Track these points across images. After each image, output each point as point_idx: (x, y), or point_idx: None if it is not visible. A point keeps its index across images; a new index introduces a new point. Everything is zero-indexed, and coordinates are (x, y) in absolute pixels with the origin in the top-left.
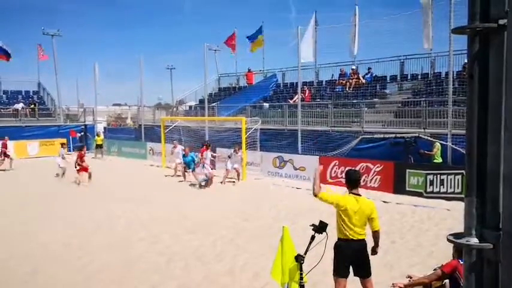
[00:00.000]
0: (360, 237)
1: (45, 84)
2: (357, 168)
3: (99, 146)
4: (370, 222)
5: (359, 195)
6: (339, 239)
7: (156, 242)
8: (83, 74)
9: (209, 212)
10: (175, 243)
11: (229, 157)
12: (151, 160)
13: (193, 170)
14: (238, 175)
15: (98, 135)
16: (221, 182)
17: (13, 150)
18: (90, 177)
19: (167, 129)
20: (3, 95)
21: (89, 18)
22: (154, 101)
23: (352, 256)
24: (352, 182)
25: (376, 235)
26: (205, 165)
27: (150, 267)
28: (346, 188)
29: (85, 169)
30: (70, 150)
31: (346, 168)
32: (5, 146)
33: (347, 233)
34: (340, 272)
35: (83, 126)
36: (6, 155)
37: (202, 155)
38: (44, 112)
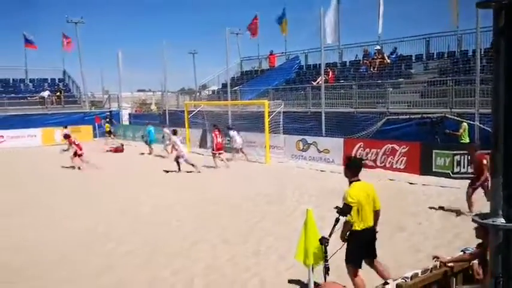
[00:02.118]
0: (372, 223)
1: (70, 71)
2: (383, 150)
3: (108, 133)
4: (374, 203)
5: (359, 180)
6: (354, 231)
7: (180, 225)
8: (107, 61)
9: (233, 195)
10: (200, 227)
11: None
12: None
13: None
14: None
15: (107, 122)
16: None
17: (40, 137)
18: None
19: (191, 114)
20: (30, 83)
21: (112, 4)
22: (177, 87)
23: (367, 244)
24: (358, 169)
25: (378, 214)
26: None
27: (175, 251)
28: (346, 176)
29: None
30: (96, 137)
31: (352, 155)
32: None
33: (362, 224)
34: (357, 262)
35: (108, 113)
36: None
37: (216, 138)
38: (70, 99)
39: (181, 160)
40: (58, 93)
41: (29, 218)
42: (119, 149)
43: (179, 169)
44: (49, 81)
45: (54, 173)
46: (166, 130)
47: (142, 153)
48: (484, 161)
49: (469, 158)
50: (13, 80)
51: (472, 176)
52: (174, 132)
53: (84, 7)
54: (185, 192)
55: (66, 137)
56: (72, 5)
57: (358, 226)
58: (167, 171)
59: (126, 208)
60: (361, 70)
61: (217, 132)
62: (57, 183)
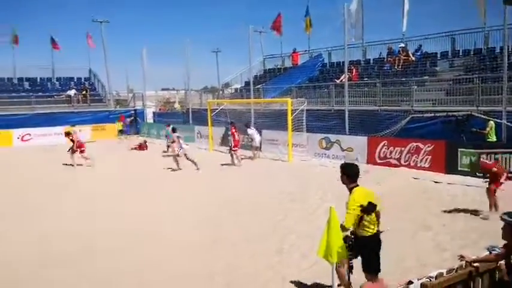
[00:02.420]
0: (378, 227)
1: (95, 70)
2: (407, 148)
3: (120, 132)
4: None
5: (358, 185)
6: (364, 237)
7: (201, 222)
8: (131, 60)
9: (255, 193)
10: (222, 224)
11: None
12: (199, 143)
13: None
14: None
15: (119, 121)
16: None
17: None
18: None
19: (214, 113)
20: (57, 82)
21: (136, 4)
22: (201, 85)
23: (379, 248)
24: (356, 176)
25: (379, 216)
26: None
27: (198, 248)
28: (344, 183)
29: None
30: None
31: (343, 162)
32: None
33: (370, 229)
34: (376, 268)
35: (132, 111)
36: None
37: (234, 136)
38: (95, 98)
39: (181, 156)
40: (84, 92)
41: (81, 209)
42: (142, 146)
43: (178, 166)
44: (75, 80)
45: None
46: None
47: (165, 151)
48: (494, 169)
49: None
50: (40, 79)
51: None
52: (174, 130)
53: (109, 7)
54: (206, 190)
55: (67, 134)
56: (98, 5)
57: (366, 232)
58: (173, 169)
59: (146, 206)
60: (385, 68)
61: (234, 130)
62: (97, 176)
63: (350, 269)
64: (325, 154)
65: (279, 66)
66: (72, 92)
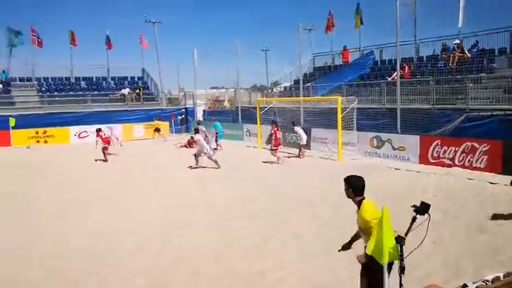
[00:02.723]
0: None
1: (148, 69)
2: (462, 148)
3: (156, 130)
4: None
5: (365, 197)
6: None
7: (253, 220)
8: (182, 59)
9: (306, 192)
10: (273, 222)
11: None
12: (248, 141)
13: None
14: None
15: (156, 119)
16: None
17: (121, 133)
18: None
19: (263, 111)
20: (111, 81)
21: (187, 4)
22: (250, 83)
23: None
24: (363, 188)
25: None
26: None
27: (248, 245)
28: (350, 197)
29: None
30: (172, 132)
31: (349, 175)
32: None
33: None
34: None
35: (183, 110)
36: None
37: (275, 135)
38: (148, 96)
39: (202, 156)
40: (137, 91)
41: (107, 207)
42: (190, 143)
43: (197, 164)
44: (129, 79)
45: (131, 166)
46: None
47: (215, 149)
48: None
49: None
50: (96, 78)
51: None
52: (196, 131)
53: (162, 7)
54: (257, 188)
55: (98, 131)
56: (151, 6)
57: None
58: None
59: (199, 202)
60: (439, 65)
61: (275, 129)
62: (133, 175)
63: (402, 270)
64: (376, 153)
65: (329, 64)
66: (126, 91)
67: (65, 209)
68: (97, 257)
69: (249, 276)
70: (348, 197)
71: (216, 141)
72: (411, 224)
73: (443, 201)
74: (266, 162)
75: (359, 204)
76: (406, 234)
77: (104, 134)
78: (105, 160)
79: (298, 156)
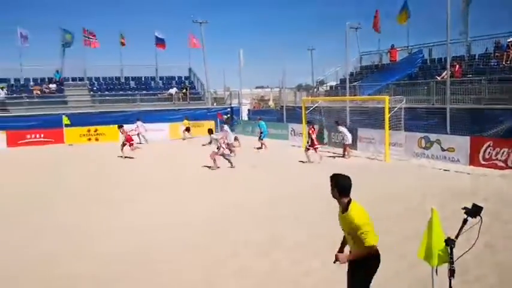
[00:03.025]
0: None
1: (195, 69)
2: None
3: (186, 130)
4: None
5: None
6: (375, 252)
7: (299, 219)
8: (227, 58)
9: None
10: (318, 222)
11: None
12: (293, 141)
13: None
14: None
15: (186, 118)
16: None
17: (168, 131)
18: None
19: (308, 110)
20: (160, 81)
21: (234, 4)
22: (295, 83)
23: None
24: (349, 189)
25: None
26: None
27: (294, 244)
28: (335, 197)
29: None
30: (218, 132)
31: (335, 174)
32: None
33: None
34: None
35: (229, 109)
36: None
37: (311, 135)
38: (194, 96)
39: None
40: (184, 90)
41: (152, 203)
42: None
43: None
44: (176, 79)
45: (181, 164)
46: (226, 128)
47: (259, 148)
48: None
49: None
50: (145, 77)
51: None
52: (210, 131)
53: (209, 7)
54: (301, 187)
55: (120, 127)
56: (198, 6)
57: (373, 247)
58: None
59: (242, 200)
60: (492, 64)
61: (312, 130)
62: (182, 172)
63: (451, 273)
64: (424, 154)
65: (376, 63)
66: (173, 91)
67: (116, 204)
68: (147, 251)
69: (294, 275)
70: (333, 197)
71: (260, 139)
72: (462, 226)
73: (495, 204)
74: (311, 162)
75: (346, 206)
76: (457, 236)
77: (127, 132)
78: (123, 156)
79: (343, 156)
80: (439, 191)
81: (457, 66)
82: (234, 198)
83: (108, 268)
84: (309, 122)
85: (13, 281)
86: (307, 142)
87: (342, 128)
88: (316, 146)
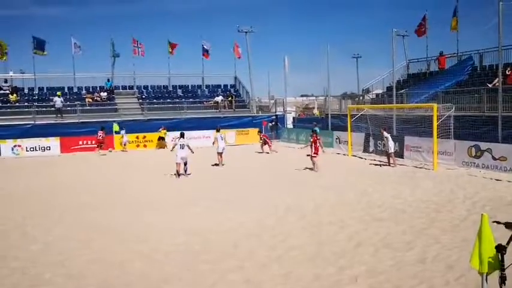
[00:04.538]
0: None
1: (240, 77)
2: None
3: (161, 139)
4: None
5: None
6: None
7: (344, 226)
8: (272, 66)
9: (398, 200)
10: (363, 229)
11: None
12: (338, 149)
13: None
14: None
15: (163, 128)
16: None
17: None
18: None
19: (353, 118)
20: (206, 89)
21: (279, 12)
22: (339, 91)
23: None
24: None
25: None
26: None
27: (339, 250)
28: None
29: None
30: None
31: None
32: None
33: None
34: None
35: (274, 117)
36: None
37: (315, 143)
38: (240, 104)
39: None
40: (230, 98)
41: (201, 208)
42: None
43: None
44: (222, 87)
45: (223, 170)
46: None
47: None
48: None
49: None
50: (191, 86)
51: None
52: (218, 130)
53: (254, 16)
54: (346, 195)
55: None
56: (244, 15)
57: None
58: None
59: (292, 205)
60: None
61: (316, 138)
62: (228, 177)
63: (502, 280)
64: (474, 163)
65: (424, 71)
66: (219, 99)
67: (164, 207)
68: (194, 254)
69: (339, 279)
70: None
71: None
72: None
73: None
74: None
75: None
76: (508, 243)
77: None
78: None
79: (388, 164)
80: (489, 202)
81: (510, 73)
82: (281, 202)
83: (160, 268)
84: (313, 131)
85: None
86: (312, 150)
87: (386, 134)
88: (314, 155)
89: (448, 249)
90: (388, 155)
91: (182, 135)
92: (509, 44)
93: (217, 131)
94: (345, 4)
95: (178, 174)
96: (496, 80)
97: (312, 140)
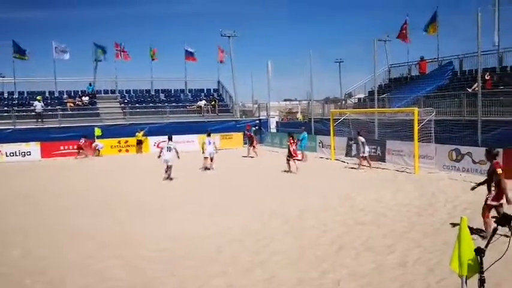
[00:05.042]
0: None
1: (223, 81)
2: None
3: (139, 142)
4: None
5: None
6: None
7: (326, 230)
8: (256, 71)
9: (379, 204)
10: (346, 233)
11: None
12: (321, 153)
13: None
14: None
15: (140, 131)
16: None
17: (197, 142)
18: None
19: (336, 122)
20: (189, 94)
21: (262, 18)
22: (322, 95)
23: None
24: None
25: None
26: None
27: (321, 254)
28: None
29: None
30: (245, 144)
31: None
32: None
33: None
34: None
35: (257, 121)
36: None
37: (291, 145)
38: (223, 108)
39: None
40: (213, 103)
41: (186, 212)
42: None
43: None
44: (205, 92)
45: (211, 174)
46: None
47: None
48: (499, 170)
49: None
50: (174, 90)
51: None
52: (208, 134)
53: (237, 21)
54: (329, 199)
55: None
56: (227, 20)
57: None
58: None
59: (276, 210)
60: None
61: (291, 141)
62: (213, 182)
63: (481, 283)
64: (454, 167)
65: (405, 75)
66: (202, 103)
67: (146, 213)
68: (177, 258)
69: (322, 283)
70: None
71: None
72: (492, 235)
73: None
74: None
75: None
76: (487, 246)
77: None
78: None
79: (358, 167)
80: (469, 205)
81: (489, 77)
82: (265, 208)
83: (142, 274)
84: (289, 134)
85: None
86: (288, 153)
87: (361, 139)
88: (295, 158)
89: (429, 252)
90: (364, 158)
91: (170, 138)
92: (488, 50)
93: (208, 135)
94: (327, 10)
95: (165, 174)
96: (476, 85)
97: (289, 143)
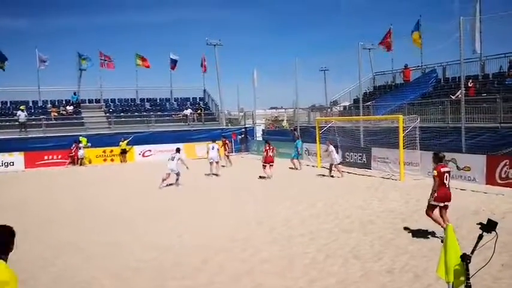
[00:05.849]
0: None
1: (209, 90)
2: None
3: (123, 152)
4: None
5: None
6: None
7: (314, 238)
8: (241, 79)
9: (366, 212)
10: (333, 241)
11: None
12: (307, 160)
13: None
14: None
15: (124, 140)
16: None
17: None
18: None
19: (322, 130)
20: (174, 102)
21: (247, 26)
22: (308, 103)
23: None
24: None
25: None
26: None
27: (309, 262)
28: None
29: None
30: (232, 152)
31: None
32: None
33: None
34: None
35: (243, 129)
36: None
37: (267, 152)
38: (209, 117)
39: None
40: (199, 111)
41: (174, 222)
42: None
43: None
44: (191, 100)
45: (197, 185)
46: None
47: (292, 167)
48: (435, 172)
49: None
50: (160, 99)
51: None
52: (213, 140)
53: (222, 30)
54: (316, 206)
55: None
56: (212, 28)
57: None
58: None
59: (263, 218)
60: (507, 82)
61: (267, 147)
62: (199, 191)
63: None
64: None
65: (389, 83)
66: (188, 112)
67: (134, 222)
68: (164, 270)
69: None
70: None
71: (293, 158)
72: (477, 241)
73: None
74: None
75: None
76: (472, 252)
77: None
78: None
79: (330, 174)
80: (454, 211)
81: (471, 85)
82: (252, 216)
83: (127, 285)
84: (265, 141)
85: None
86: (263, 158)
87: (331, 148)
88: (270, 163)
89: (416, 259)
90: (334, 166)
91: (178, 151)
92: (470, 57)
93: (213, 141)
94: (312, 18)
95: (162, 181)
96: (459, 92)
97: (264, 150)
